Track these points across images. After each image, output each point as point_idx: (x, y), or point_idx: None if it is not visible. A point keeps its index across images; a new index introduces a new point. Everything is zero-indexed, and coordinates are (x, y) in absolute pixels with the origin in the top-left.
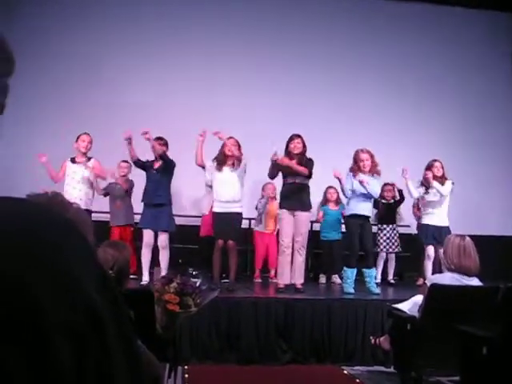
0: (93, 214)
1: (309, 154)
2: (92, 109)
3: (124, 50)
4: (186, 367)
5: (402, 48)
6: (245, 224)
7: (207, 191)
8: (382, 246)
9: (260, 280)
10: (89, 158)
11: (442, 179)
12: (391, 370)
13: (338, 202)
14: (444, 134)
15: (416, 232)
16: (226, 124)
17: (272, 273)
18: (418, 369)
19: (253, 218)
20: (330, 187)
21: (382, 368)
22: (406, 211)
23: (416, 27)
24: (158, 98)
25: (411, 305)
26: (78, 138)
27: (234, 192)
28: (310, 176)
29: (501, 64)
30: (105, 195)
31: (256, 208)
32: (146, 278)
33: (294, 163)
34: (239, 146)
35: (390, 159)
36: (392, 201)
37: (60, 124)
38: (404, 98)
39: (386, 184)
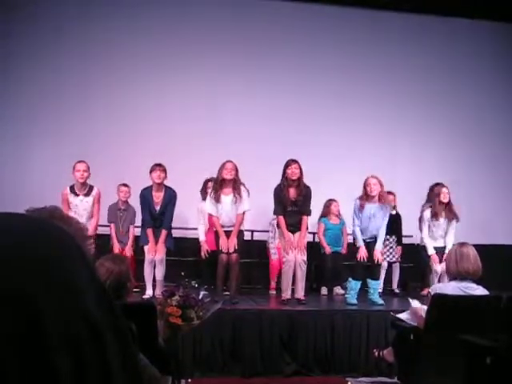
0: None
1: (312, 172)
2: (91, 120)
3: (124, 61)
4: (189, 380)
5: (406, 58)
6: (247, 236)
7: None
8: (385, 256)
9: (275, 292)
10: (89, 188)
11: (448, 206)
12: (395, 380)
13: (339, 215)
14: (449, 145)
15: (419, 242)
16: (227, 145)
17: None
18: (422, 379)
19: (256, 230)
20: (332, 200)
21: (386, 379)
22: (411, 222)
23: (420, 39)
24: (157, 111)
25: (407, 313)
26: (73, 167)
27: (234, 218)
28: (310, 213)
29: (502, 74)
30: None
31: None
32: (149, 292)
33: (301, 242)
34: (237, 171)
35: (393, 169)
36: (394, 211)
37: (59, 135)
38: (408, 110)
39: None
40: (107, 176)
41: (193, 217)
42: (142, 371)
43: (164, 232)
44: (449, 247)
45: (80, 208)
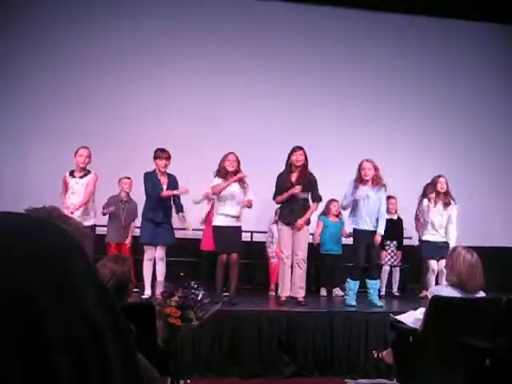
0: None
1: (313, 168)
2: (91, 119)
3: (124, 61)
4: (187, 381)
5: (404, 60)
6: (247, 237)
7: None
8: (386, 259)
9: (274, 293)
10: (87, 172)
11: (445, 196)
12: (394, 382)
13: (339, 215)
14: (449, 145)
15: (418, 244)
16: (229, 141)
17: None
18: (422, 381)
19: (255, 231)
20: (333, 200)
21: (386, 381)
22: (411, 224)
23: (419, 40)
24: (157, 111)
25: (412, 318)
26: (76, 152)
27: (237, 207)
28: (320, 199)
29: (503, 76)
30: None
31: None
32: (147, 292)
33: (301, 221)
34: (239, 162)
35: (392, 171)
36: (396, 216)
37: (59, 134)
38: (408, 110)
39: (387, 197)
40: (107, 176)
41: (192, 217)
42: (142, 371)
43: (182, 214)
44: (451, 244)
45: (76, 189)
